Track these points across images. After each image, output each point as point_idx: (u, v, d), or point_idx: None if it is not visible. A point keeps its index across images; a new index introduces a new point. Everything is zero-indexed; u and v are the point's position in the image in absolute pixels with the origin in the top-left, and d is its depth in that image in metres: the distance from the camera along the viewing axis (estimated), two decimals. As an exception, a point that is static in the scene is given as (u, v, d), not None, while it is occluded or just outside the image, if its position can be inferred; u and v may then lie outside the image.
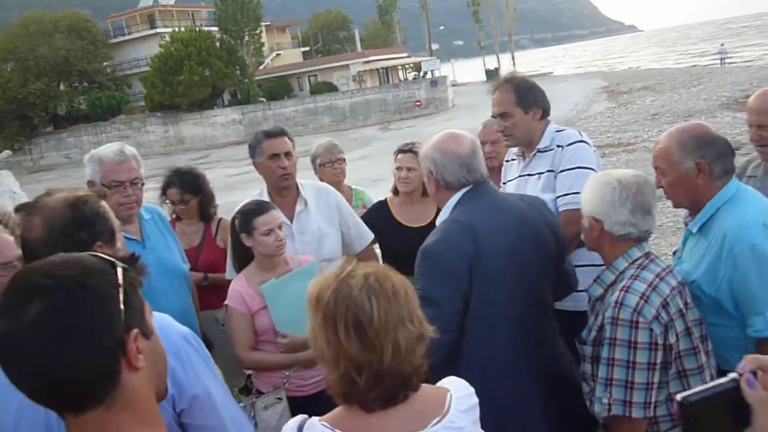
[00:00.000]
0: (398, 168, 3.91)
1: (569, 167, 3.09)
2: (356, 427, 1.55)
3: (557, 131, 3.25)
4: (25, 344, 1.10)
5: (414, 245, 3.81)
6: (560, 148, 3.17)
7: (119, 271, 1.21)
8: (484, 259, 2.33)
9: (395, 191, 4.06)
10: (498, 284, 2.36)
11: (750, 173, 3.17)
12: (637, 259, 2.28)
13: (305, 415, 1.64)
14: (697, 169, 2.37)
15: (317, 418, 1.61)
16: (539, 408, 2.43)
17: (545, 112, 3.21)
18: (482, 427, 2.28)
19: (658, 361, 2.13)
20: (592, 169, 3.14)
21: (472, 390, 1.73)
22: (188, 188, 4.11)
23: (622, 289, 2.18)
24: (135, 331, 1.19)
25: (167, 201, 4.15)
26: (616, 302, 2.16)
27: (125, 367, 1.17)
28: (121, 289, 1.18)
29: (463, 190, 2.50)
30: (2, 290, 1.17)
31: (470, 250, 2.34)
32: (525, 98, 3.16)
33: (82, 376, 1.12)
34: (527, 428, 2.41)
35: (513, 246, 2.40)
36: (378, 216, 3.89)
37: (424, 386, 1.66)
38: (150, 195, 3.31)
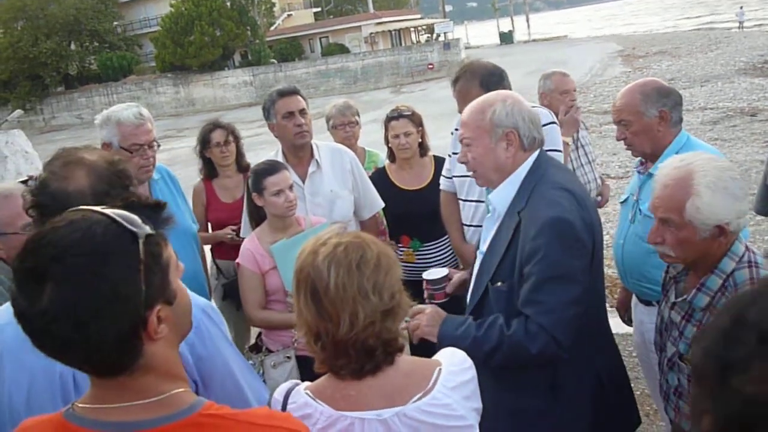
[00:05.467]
0: (394, 136, 3.93)
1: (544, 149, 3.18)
2: (335, 399, 1.55)
3: None
4: (41, 326, 1.10)
5: (414, 208, 3.93)
6: None
7: (141, 243, 1.15)
8: (595, 227, 2.21)
9: (391, 158, 4.08)
10: (597, 255, 2.24)
11: None
12: (742, 256, 1.99)
13: (297, 381, 1.67)
14: (660, 116, 2.68)
15: (304, 385, 1.63)
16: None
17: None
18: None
19: None
20: (560, 151, 3.37)
21: (468, 364, 1.68)
22: (230, 131, 4.34)
23: None
24: (158, 307, 1.17)
25: (210, 146, 4.27)
26: None
27: (147, 339, 1.17)
28: (142, 266, 1.14)
29: (537, 152, 2.30)
30: (17, 257, 1.15)
31: (588, 218, 2.16)
32: (487, 85, 3.15)
33: (102, 355, 1.14)
34: (621, 388, 2.40)
35: (595, 213, 2.29)
36: (377, 184, 3.89)
37: (411, 359, 1.63)
38: (162, 156, 3.32)
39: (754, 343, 0.86)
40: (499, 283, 2.21)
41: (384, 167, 4.17)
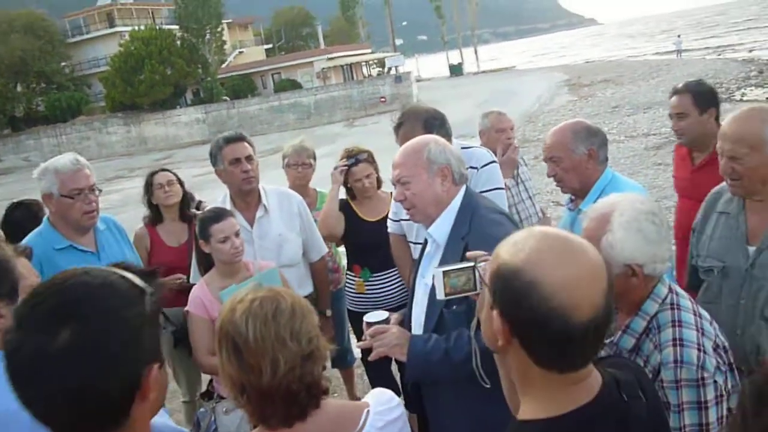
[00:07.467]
0: (357, 180, 4.01)
1: (486, 189, 3.27)
2: None
3: (463, 148, 3.39)
4: (49, 367, 1.07)
5: (368, 238, 4.02)
6: (475, 170, 3.33)
7: (147, 299, 1.18)
8: None
9: (351, 196, 4.15)
10: None
11: (721, 209, 2.76)
12: (665, 298, 2.00)
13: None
14: (588, 154, 2.81)
15: None
16: None
17: (448, 137, 3.18)
18: None
19: (724, 413, 1.87)
20: (502, 189, 3.44)
21: (396, 402, 1.75)
22: (174, 174, 4.35)
23: (674, 344, 1.89)
24: (155, 365, 1.18)
25: (153, 188, 4.25)
26: (676, 361, 1.86)
27: (138, 399, 1.16)
28: (148, 320, 1.17)
29: (465, 186, 2.52)
30: (28, 301, 1.14)
31: None
32: (430, 127, 3.20)
33: (96, 405, 1.10)
34: None
35: None
36: (344, 215, 4.03)
37: (339, 403, 1.69)
38: (114, 197, 3.32)
39: None
40: (454, 307, 2.29)
41: (346, 199, 4.21)
